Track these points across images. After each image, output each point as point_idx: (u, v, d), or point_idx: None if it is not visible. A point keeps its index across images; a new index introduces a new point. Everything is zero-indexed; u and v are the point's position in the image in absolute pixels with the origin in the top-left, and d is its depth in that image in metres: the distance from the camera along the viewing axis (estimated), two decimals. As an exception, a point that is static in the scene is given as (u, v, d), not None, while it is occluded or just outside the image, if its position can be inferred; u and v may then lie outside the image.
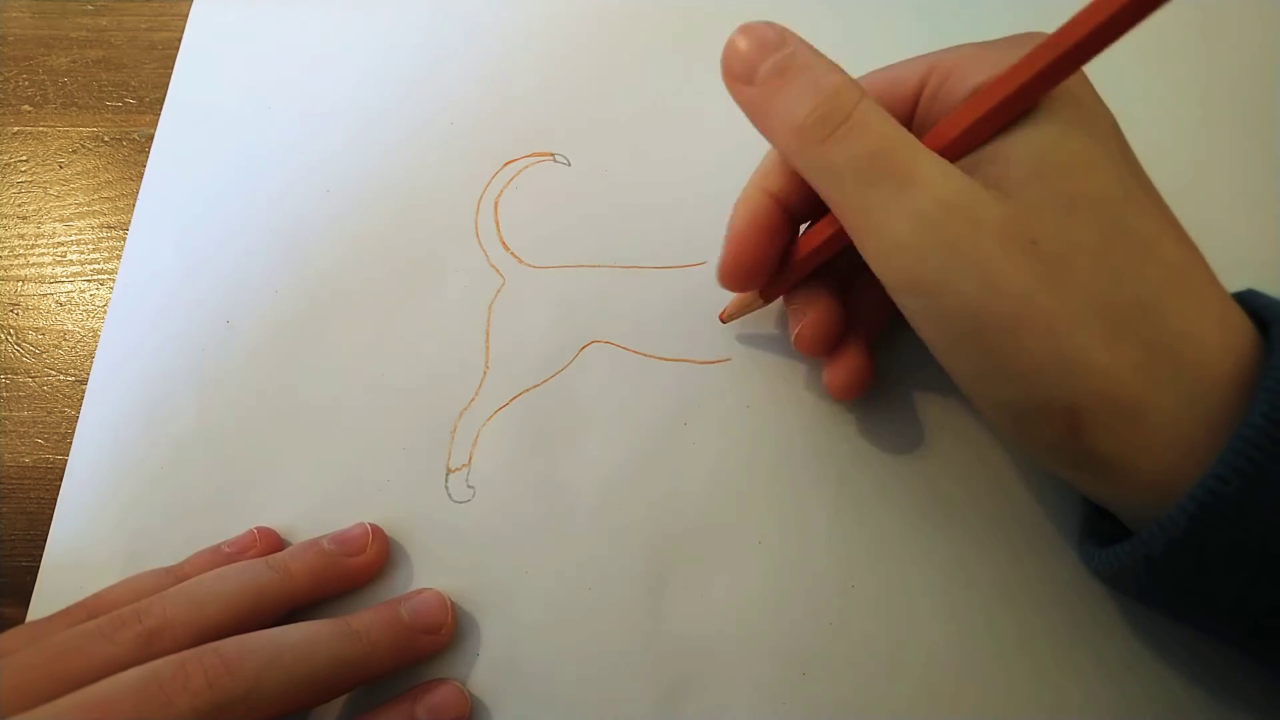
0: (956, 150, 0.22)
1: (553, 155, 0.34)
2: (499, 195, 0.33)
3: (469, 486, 0.29)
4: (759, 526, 0.28)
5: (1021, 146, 0.21)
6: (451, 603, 0.27)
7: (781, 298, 0.28)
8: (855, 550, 0.28)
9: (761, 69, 0.22)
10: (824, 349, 0.27)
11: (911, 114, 0.24)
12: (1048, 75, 0.20)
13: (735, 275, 0.26)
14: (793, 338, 0.27)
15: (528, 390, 0.30)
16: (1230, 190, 0.32)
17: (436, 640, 0.26)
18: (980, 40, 0.24)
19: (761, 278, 0.26)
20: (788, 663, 0.27)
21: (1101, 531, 0.25)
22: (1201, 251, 0.22)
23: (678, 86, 0.35)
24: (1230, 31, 0.34)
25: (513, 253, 0.32)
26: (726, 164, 0.31)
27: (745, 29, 0.23)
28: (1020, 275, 0.20)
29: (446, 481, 0.29)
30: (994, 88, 0.21)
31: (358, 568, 0.27)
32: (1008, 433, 0.23)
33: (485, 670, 0.27)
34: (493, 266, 0.32)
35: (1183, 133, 0.33)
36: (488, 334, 0.31)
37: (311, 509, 0.29)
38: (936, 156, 0.21)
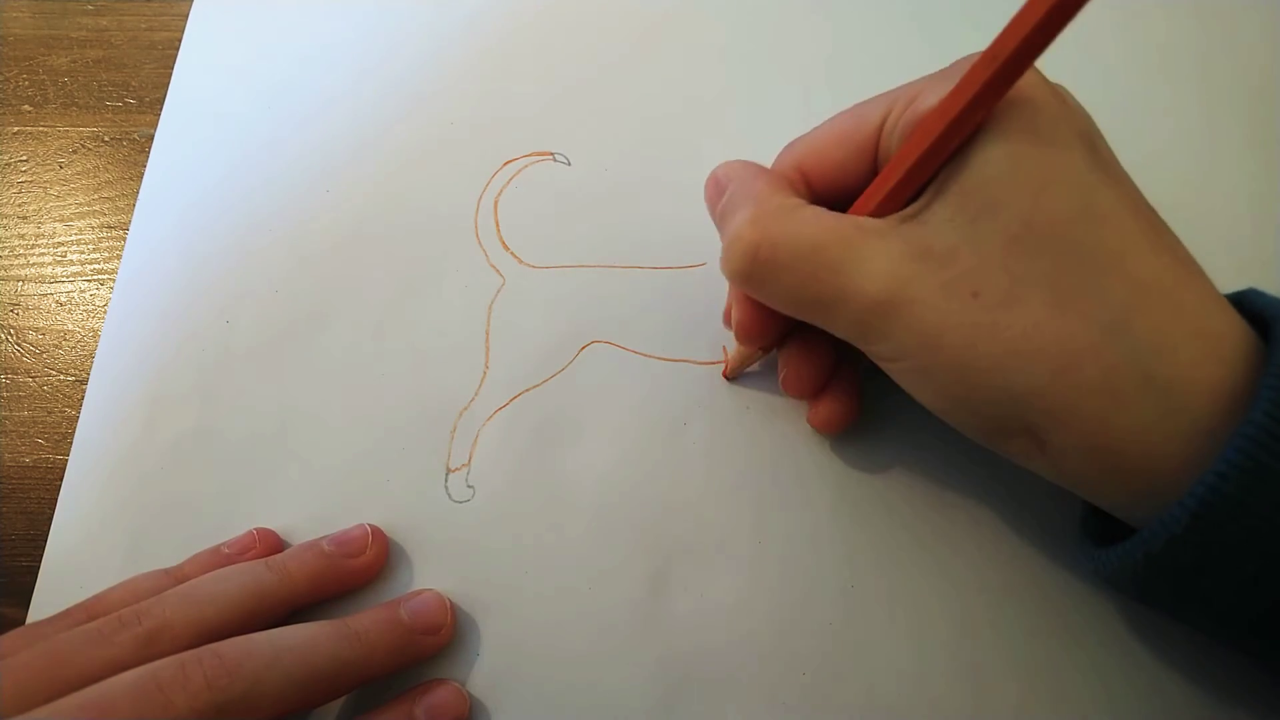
0: (902, 192, 0.22)
1: (552, 154, 0.34)
2: (499, 195, 0.33)
3: (469, 486, 0.29)
4: (759, 526, 0.28)
5: (972, 175, 0.21)
6: (451, 603, 0.27)
7: None
8: (855, 550, 0.28)
9: (715, 217, 0.25)
10: (810, 394, 0.28)
11: (876, 148, 0.24)
12: (983, 96, 0.20)
13: (750, 340, 0.27)
14: (780, 380, 0.27)
15: (528, 390, 0.30)
16: (1231, 190, 0.32)
17: (436, 641, 0.26)
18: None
19: (775, 333, 0.26)
20: (788, 663, 0.27)
21: (1098, 531, 0.25)
22: (1189, 251, 0.22)
23: (678, 85, 0.35)
24: (1230, 31, 0.34)
25: (512, 252, 0.32)
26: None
27: (713, 171, 0.26)
28: (961, 330, 0.21)
29: (446, 481, 0.29)
30: (931, 118, 0.21)
31: (357, 569, 0.27)
32: (985, 446, 0.24)
33: (484, 670, 0.27)
34: (492, 266, 0.32)
35: (1182, 134, 0.33)
36: (487, 334, 0.31)
37: (311, 508, 0.29)
38: (857, 244, 0.22)
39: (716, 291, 0.31)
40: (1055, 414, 0.21)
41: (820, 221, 0.23)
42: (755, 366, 0.30)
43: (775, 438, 0.29)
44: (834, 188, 0.25)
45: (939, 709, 0.26)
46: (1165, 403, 0.20)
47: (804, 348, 0.27)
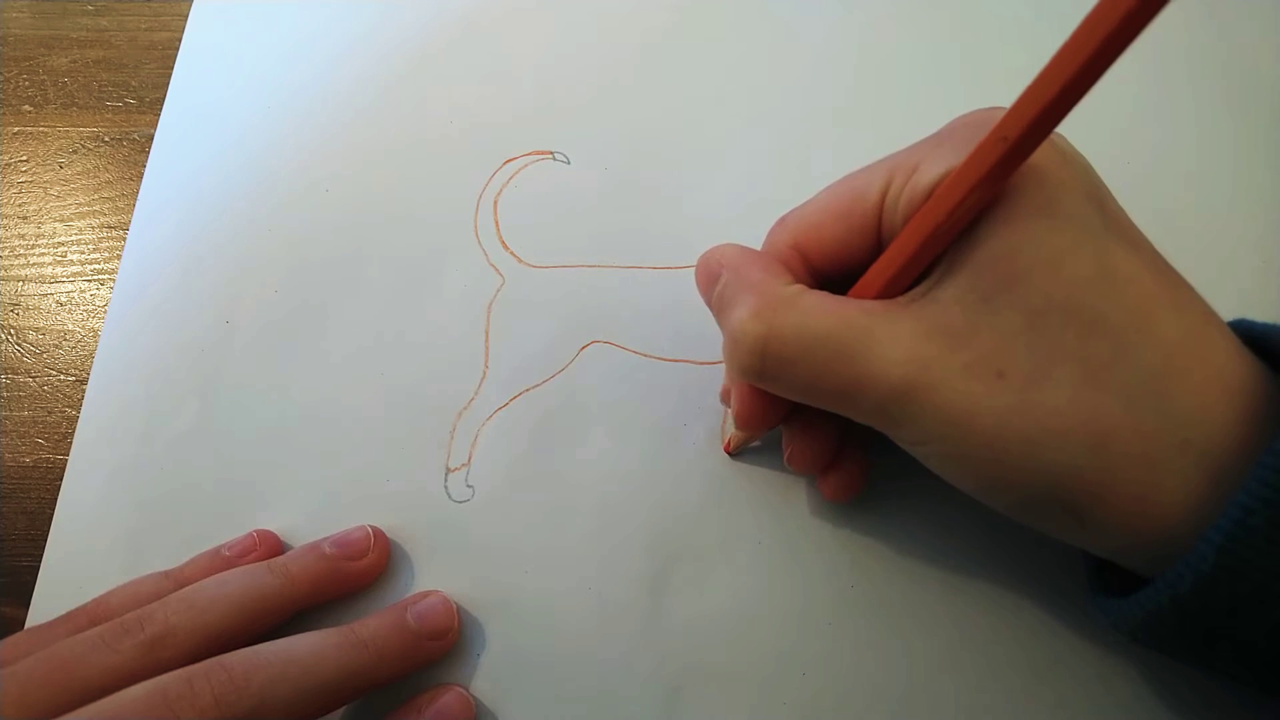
0: (909, 274, 0.22)
1: (552, 153, 0.34)
2: (498, 194, 0.33)
3: (468, 486, 0.29)
4: (759, 526, 0.28)
5: (983, 251, 0.20)
6: (456, 606, 0.27)
7: None
8: (855, 551, 0.28)
9: (710, 305, 0.25)
10: (817, 470, 0.27)
11: (878, 222, 0.23)
12: (991, 177, 0.19)
13: (751, 428, 0.26)
14: (785, 457, 0.27)
15: (527, 390, 0.30)
16: (1229, 194, 0.32)
17: (443, 645, 0.26)
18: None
19: (778, 418, 0.25)
20: (788, 662, 0.27)
21: (1112, 583, 0.23)
22: (1207, 303, 0.21)
23: (678, 84, 0.35)
24: (1230, 31, 0.34)
25: (512, 252, 0.32)
26: (728, 163, 0.31)
27: (703, 257, 0.25)
28: (990, 413, 0.20)
29: (446, 481, 0.29)
30: (937, 199, 0.20)
31: (359, 572, 0.27)
32: (1019, 521, 0.23)
33: (486, 671, 0.27)
34: (492, 266, 0.32)
35: (1181, 137, 0.33)
36: (487, 334, 0.31)
37: (311, 508, 0.29)
38: (869, 329, 0.21)
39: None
40: (1094, 490, 0.20)
41: (826, 308, 0.22)
42: (758, 443, 0.29)
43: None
44: (834, 264, 0.24)
45: (939, 709, 0.26)
46: (1207, 468, 0.19)
47: (808, 425, 0.26)
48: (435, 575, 0.28)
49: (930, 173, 0.21)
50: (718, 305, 0.24)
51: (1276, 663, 0.20)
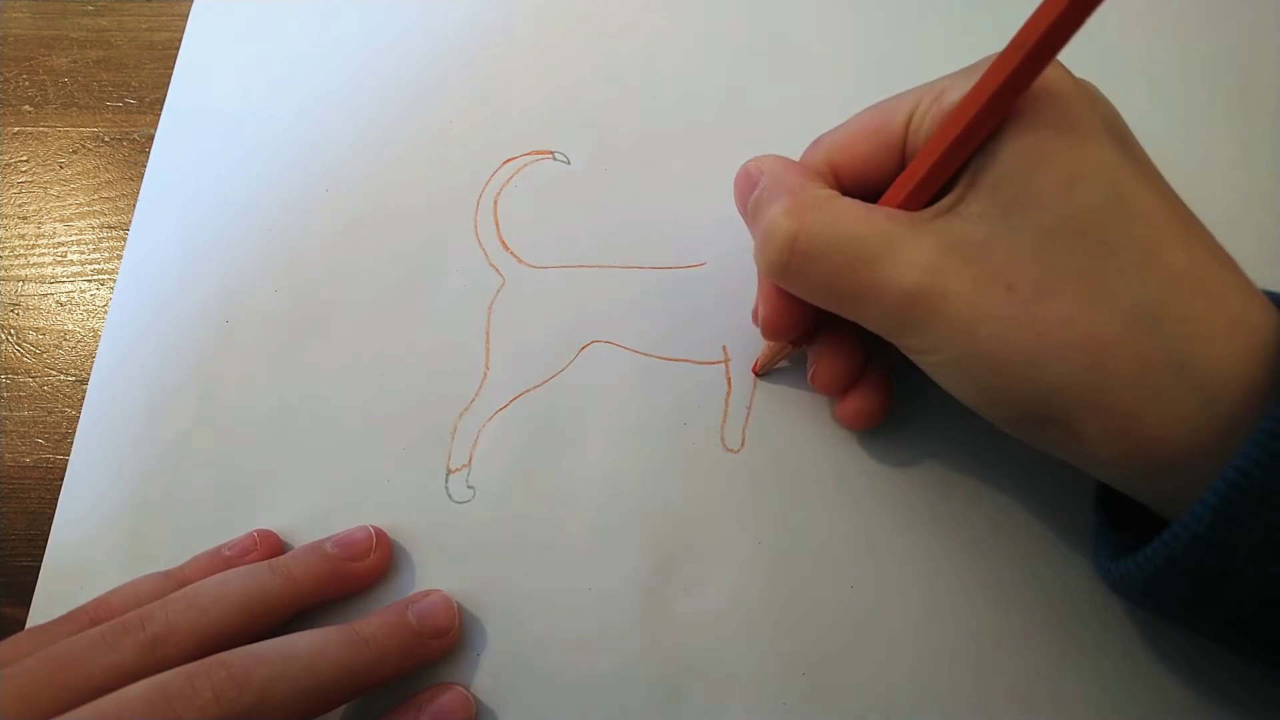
0: (931, 184, 0.22)
1: (552, 153, 0.34)
2: (498, 194, 0.33)
3: (469, 487, 0.29)
4: (759, 526, 0.28)
5: (1000, 168, 0.21)
6: (457, 605, 0.27)
7: None
8: (855, 550, 0.28)
9: (747, 210, 0.26)
10: (839, 389, 0.28)
11: (904, 142, 0.24)
12: (1009, 86, 0.20)
13: (777, 335, 0.27)
14: (809, 376, 0.28)
15: (528, 390, 0.30)
16: (1232, 189, 0.32)
17: (444, 644, 0.26)
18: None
19: (803, 327, 0.26)
20: (788, 663, 0.27)
21: (1117, 545, 0.24)
22: (1221, 245, 0.22)
23: (678, 84, 0.35)
24: (1232, 24, 0.34)
25: (512, 252, 0.32)
26: (727, 163, 0.30)
27: (743, 166, 0.26)
28: (993, 324, 0.21)
29: (446, 482, 0.29)
30: (958, 110, 0.21)
31: (362, 572, 0.27)
32: (1017, 437, 0.23)
33: (486, 671, 0.27)
34: (492, 266, 0.32)
35: (1184, 131, 0.33)
36: (488, 334, 0.31)
37: (311, 509, 0.29)
38: (892, 237, 0.22)
39: (716, 291, 0.31)
40: (1089, 406, 0.21)
41: (856, 213, 0.23)
42: (785, 363, 0.30)
43: (775, 437, 0.29)
44: (861, 182, 0.25)
45: (939, 709, 0.26)
46: (1200, 394, 0.20)
47: (833, 343, 0.27)
48: (435, 575, 0.28)
49: (955, 94, 0.22)
50: (753, 208, 0.25)
51: (1269, 624, 0.20)
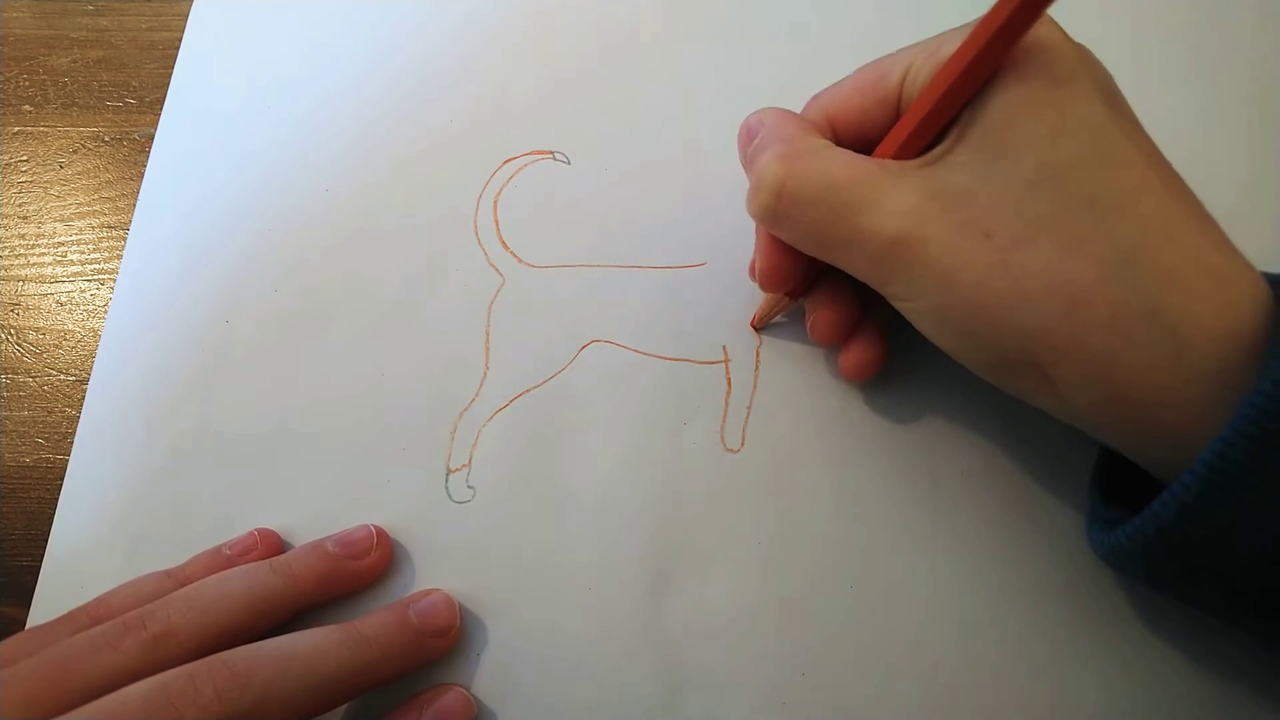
0: (923, 134, 0.23)
1: (552, 153, 0.34)
2: (498, 194, 0.33)
3: (469, 487, 0.29)
4: (759, 526, 0.28)
5: (990, 118, 0.22)
6: (458, 604, 0.27)
7: None
8: (855, 550, 0.28)
9: (745, 159, 0.26)
10: (837, 339, 0.28)
11: (898, 100, 0.24)
12: (1001, 36, 0.20)
13: (773, 285, 0.27)
14: (808, 326, 0.28)
15: (528, 390, 0.30)
16: (1233, 176, 0.32)
17: (445, 643, 0.26)
18: None
19: (797, 277, 0.27)
20: (788, 663, 0.27)
21: (1108, 519, 0.24)
22: (1202, 203, 0.22)
23: (678, 83, 0.35)
24: (1235, 15, 0.34)
25: (512, 252, 0.32)
26: (728, 162, 0.31)
27: (746, 118, 0.26)
28: (971, 270, 0.21)
29: (447, 482, 0.29)
30: (951, 62, 0.22)
31: (363, 571, 0.27)
32: (996, 384, 0.24)
33: (486, 670, 0.27)
34: (492, 266, 0.32)
35: (1185, 117, 0.33)
36: (488, 334, 0.31)
37: (311, 509, 0.29)
38: (878, 184, 0.23)
39: (716, 291, 0.31)
40: (1063, 351, 0.21)
41: (845, 161, 0.23)
42: (782, 317, 0.30)
43: (775, 437, 0.29)
44: (858, 135, 0.25)
45: (939, 708, 0.26)
46: (1172, 342, 0.20)
47: (829, 294, 0.27)
48: (436, 575, 0.28)
49: (949, 49, 0.22)
50: (750, 157, 0.25)
51: (1251, 595, 0.21)
